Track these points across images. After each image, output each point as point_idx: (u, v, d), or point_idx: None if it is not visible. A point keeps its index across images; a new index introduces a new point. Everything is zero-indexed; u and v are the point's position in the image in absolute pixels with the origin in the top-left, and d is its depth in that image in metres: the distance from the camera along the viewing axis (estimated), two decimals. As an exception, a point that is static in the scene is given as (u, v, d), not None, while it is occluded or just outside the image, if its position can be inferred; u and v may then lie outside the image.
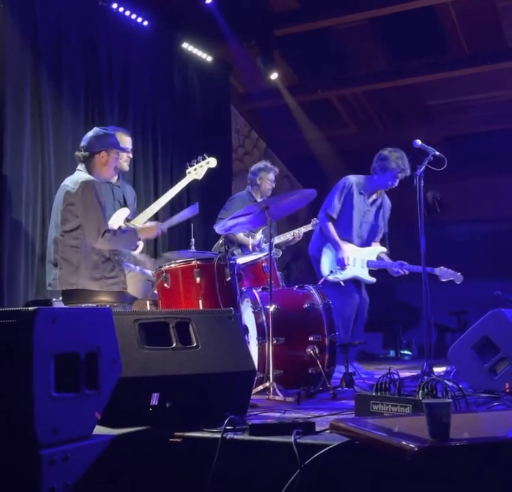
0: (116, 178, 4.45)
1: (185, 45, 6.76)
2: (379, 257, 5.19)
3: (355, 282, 5.16)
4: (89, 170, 3.93)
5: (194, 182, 4.64)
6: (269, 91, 7.64)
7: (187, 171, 4.53)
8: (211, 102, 7.17)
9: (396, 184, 5.08)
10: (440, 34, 6.86)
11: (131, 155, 4.60)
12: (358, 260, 5.12)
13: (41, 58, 4.97)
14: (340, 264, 5.04)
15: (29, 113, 4.81)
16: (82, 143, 3.95)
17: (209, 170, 4.56)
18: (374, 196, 5.24)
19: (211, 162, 4.54)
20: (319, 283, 4.93)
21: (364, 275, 5.15)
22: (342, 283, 5.06)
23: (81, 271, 3.77)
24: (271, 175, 5.41)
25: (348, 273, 5.08)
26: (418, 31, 6.76)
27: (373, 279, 5.15)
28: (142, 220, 4.42)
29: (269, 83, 7.45)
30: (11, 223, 4.62)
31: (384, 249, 5.24)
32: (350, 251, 5.10)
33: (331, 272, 5.05)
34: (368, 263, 5.15)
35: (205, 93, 7.09)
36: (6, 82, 4.65)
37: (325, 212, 5.16)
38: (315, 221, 5.27)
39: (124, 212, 4.36)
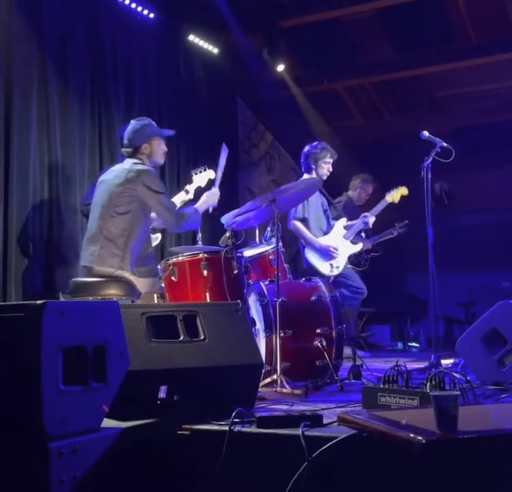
0: None
1: (191, 37, 6.74)
2: (346, 227, 5.45)
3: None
4: (141, 161, 4.05)
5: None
6: (275, 83, 7.61)
7: (193, 177, 4.65)
8: (217, 95, 7.15)
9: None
10: (447, 24, 6.82)
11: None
12: (337, 242, 5.34)
13: (47, 50, 4.96)
14: (328, 255, 5.18)
15: (35, 105, 4.81)
16: (124, 141, 4.08)
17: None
18: None
19: (211, 173, 4.70)
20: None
21: (351, 247, 5.44)
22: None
23: (125, 256, 3.86)
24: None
25: (342, 258, 5.18)
26: (425, 21, 6.72)
27: (360, 245, 5.49)
28: None
29: (275, 74, 7.42)
30: (18, 215, 4.61)
31: (343, 219, 5.48)
32: (326, 240, 5.30)
33: (331, 267, 5.16)
34: (345, 236, 5.41)
35: (211, 86, 7.07)
36: (12, 73, 4.64)
37: (292, 217, 5.31)
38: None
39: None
